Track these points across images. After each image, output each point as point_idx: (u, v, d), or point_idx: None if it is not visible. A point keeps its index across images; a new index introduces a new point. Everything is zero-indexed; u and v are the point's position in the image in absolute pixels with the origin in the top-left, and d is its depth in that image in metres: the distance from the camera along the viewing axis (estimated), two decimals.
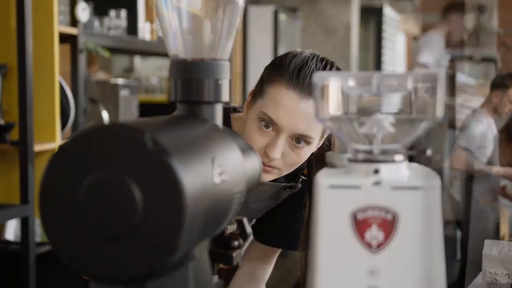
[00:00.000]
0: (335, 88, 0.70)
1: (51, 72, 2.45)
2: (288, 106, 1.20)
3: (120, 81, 3.10)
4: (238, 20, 0.83)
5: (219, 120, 0.80)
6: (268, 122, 1.22)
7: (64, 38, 2.59)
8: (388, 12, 7.37)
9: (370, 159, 0.69)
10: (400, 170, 0.68)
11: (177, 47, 0.81)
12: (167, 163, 0.59)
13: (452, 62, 4.63)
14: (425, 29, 9.58)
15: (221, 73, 0.80)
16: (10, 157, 2.43)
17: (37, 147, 2.40)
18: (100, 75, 3.84)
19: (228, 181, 0.70)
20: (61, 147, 0.61)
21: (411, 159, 0.72)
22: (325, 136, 1.32)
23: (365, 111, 0.71)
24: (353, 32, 5.43)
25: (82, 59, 2.62)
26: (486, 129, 4.40)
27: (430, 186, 0.66)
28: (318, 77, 0.69)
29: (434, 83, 0.67)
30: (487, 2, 8.53)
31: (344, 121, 0.70)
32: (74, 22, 2.60)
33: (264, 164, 1.24)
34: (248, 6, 4.63)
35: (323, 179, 0.67)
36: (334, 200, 0.67)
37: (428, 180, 0.66)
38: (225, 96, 0.81)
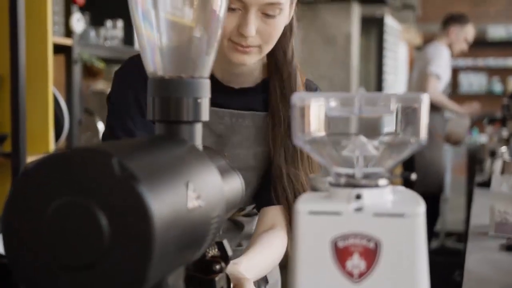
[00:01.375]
0: (315, 109, 0.67)
1: (45, 83, 2.43)
2: None
3: None
4: (218, 35, 0.80)
5: (198, 140, 0.78)
6: (232, 2, 1.17)
7: (59, 49, 2.56)
8: (390, 22, 7.35)
9: (352, 183, 0.66)
10: (383, 195, 0.65)
11: (155, 64, 0.78)
12: (135, 189, 0.56)
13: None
14: (427, 39, 9.58)
15: (200, 91, 0.78)
16: (2, 169, 2.41)
17: (30, 159, 2.37)
18: (100, 85, 3.81)
19: (205, 205, 0.67)
20: (26, 171, 0.59)
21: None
22: (294, 3, 1.28)
23: (347, 133, 0.68)
24: (354, 42, 5.40)
25: (77, 70, 2.60)
26: (448, 60, 4.47)
27: (414, 213, 0.63)
28: (297, 97, 0.66)
29: (418, 105, 0.64)
30: None
31: (325, 143, 0.67)
32: (69, 32, 2.58)
33: (241, 45, 1.20)
34: None
35: (303, 204, 0.64)
36: (314, 227, 0.64)
37: (412, 207, 0.63)
38: (205, 115, 0.78)
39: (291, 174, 1.21)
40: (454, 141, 4.88)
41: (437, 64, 4.36)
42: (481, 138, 8.53)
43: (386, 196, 0.65)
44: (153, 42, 0.78)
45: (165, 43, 0.77)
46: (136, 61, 1.30)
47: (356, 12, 5.43)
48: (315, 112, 0.67)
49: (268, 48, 1.23)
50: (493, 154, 3.12)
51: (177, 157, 0.68)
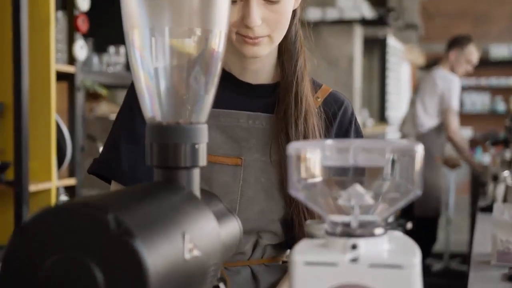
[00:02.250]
0: (310, 158, 0.67)
1: (47, 111, 2.44)
2: None
3: None
4: (216, 81, 0.80)
5: (196, 185, 0.78)
6: None
7: (62, 76, 2.58)
8: (392, 42, 7.37)
9: (348, 232, 0.66)
10: (379, 245, 0.65)
11: (153, 110, 0.79)
12: (131, 246, 0.56)
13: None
14: (430, 58, 9.60)
15: (198, 137, 0.78)
16: (5, 197, 2.41)
17: (33, 187, 2.38)
18: (104, 107, 3.83)
19: (201, 255, 0.67)
20: (21, 227, 0.59)
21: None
22: None
23: (343, 182, 0.69)
24: (356, 64, 5.42)
25: (80, 97, 2.61)
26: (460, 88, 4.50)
27: (411, 264, 0.63)
28: (292, 147, 0.67)
29: (412, 156, 0.65)
30: None
31: (320, 192, 0.68)
32: (72, 60, 2.60)
33: (249, 37, 1.14)
34: None
35: (299, 255, 0.65)
36: (311, 278, 0.64)
37: (408, 257, 0.63)
38: (202, 161, 0.79)
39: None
40: (452, 165, 4.88)
41: (455, 99, 4.39)
42: (485, 158, 8.54)
43: (382, 245, 0.65)
44: (151, 88, 0.78)
45: (163, 89, 0.78)
46: None
47: (359, 34, 5.45)
48: (310, 162, 0.67)
49: (279, 36, 1.17)
50: (495, 178, 3.11)
51: (174, 207, 0.69)
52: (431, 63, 9.72)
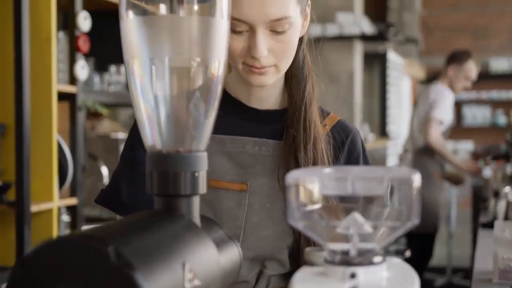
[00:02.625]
0: (309, 187, 0.68)
1: (49, 131, 2.45)
2: None
3: (120, 135, 3.10)
4: (215, 109, 0.81)
5: (196, 212, 0.78)
6: (237, 25, 1.11)
7: (63, 96, 2.59)
8: (392, 57, 7.40)
9: (347, 261, 0.66)
10: (378, 273, 0.66)
11: (154, 139, 0.80)
12: (131, 278, 0.57)
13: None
14: (430, 72, 9.63)
15: (198, 165, 0.79)
16: (6, 217, 2.41)
17: (34, 208, 2.38)
18: (105, 124, 3.84)
19: (201, 284, 0.68)
20: (23, 259, 0.60)
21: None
22: (307, 7, 1.20)
23: (341, 210, 0.69)
24: (357, 79, 5.44)
25: (81, 116, 2.62)
26: (452, 103, 4.48)
27: None
28: (291, 176, 0.67)
29: (410, 185, 0.65)
30: None
31: (319, 220, 0.68)
32: (73, 80, 2.61)
33: (256, 67, 1.14)
34: None
35: (298, 284, 0.65)
36: None
37: (407, 286, 0.64)
38: (202, 188, 0.79)
39: None
40: (456, 182, 4.88)
41: (440, 109, 4.38)
42: (486, 171, 8.53)
43: (381, 273, 0.66)
44: (151, 117, 0.79)
45: (163, 118, 0.79)
46: None
47: (359, 49, 5.48)
48: (309, 191, 0.68)
49: (285, 65, 1.17)
50: (496, 194, 3.11)
51: (174, 236, 0.69)
52: (431, 77, 9.75)
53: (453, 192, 5.78)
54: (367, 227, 0.67)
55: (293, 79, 1.24)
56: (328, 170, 0.70)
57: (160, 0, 0.80)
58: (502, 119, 9.79)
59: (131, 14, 0.77)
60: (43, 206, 2.43)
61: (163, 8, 0.80)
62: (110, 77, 2.95)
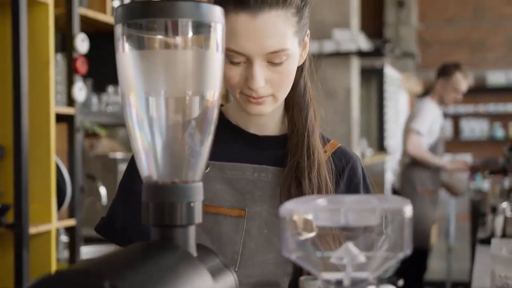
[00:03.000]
0: (303, 218, 0.69)
1: (47, 153, 2.46)
2: (244, 29, 1.09)
3: (119, 155, 3.11)
4: (210, 140, 0.82)
5: (192, 242, 0.79)
6: (234, 56, 1.11)
7: (62, 117, 2.61)
8: (389, 71, 7.42)
9: None
10: None
11: (150, 169, 0.81)
12: None
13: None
14: (427, 86, 9.66)
15: (193, 196, 0.80)
16: (5, 240, 2.42)
17: (33, 230, 2.38)
18: (104, 142, 3.85)
19: None
20: None
21: None
22: (306, 36, 1.19)
23: (335, 240, 0.70)
24: (354, 95, 5.46)
25: (79, 138, 2.64)
26: (435, 116, 4.47)
27: None
28: (285, 209, 0.68)
29: (401, 216, 0.66)
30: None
31: (313, 251, 0.69)
32: (71, 101, 2.63)
33: (253, 97, 1.14)
34: None
35: None
36: None
37: None
38: (198, 218, 0.80)
39: None
40: (455, 193, 4.89)
41: (419, 121, 4.40)
42: (484, 184, 8.53)
43: None
44: (147, 148, 0.80)
45: (159, 149, 0.80)
46: None
47: (356, 65, 5.50)
48: (303, 222, 0.69)
49: (283, 94, 1.18)
50: (494, 209, 3.12)
51: (169, 267, 0.70)
52: (428, 91, 9.77)
53: (452, 206, 5.79)
54: (361, 257, 0.68)
55: (295, 106, 1.24)
56: (321, 201, 0.71)
57: (156, 33, 0.81)
58: (500, 132, 9.82)
59: (127, 47, 0.78)
60: (41, 228, 2.44)
61: (158, 41, 0.82)
62: (108, 98, 2.97)
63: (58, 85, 2.58)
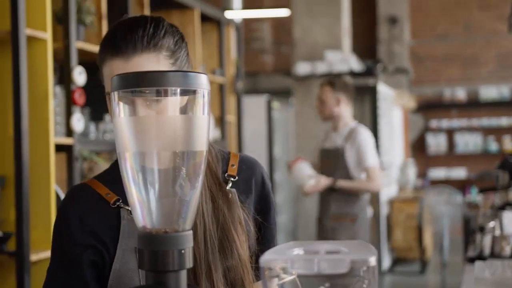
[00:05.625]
0: (280, 268, 0.77)
1: (47, 182, 2.55)
2: (120, 71, 1.15)
3: None
4: (199, 192, 0.91)
5: (183, 285, 0.88)
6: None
7: (60, 148, 2.70)
8: (382, 89, 7.52)
9: None
10: None
11: (144, 220, 0.89)
12: None
13: None
14: (421, 102, 9.77)
15: (184, 243, 0.88)
16: (6, 267, 2.50)
17: (34, 257, 2.46)
18: (103, 166, 3.92)
19: None
20: None
21: None
22: None
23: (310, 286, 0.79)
24: None
25: (77, 166, 2.72)
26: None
27: None
28: (264, 260, 0.77)
29: (368, 266, 0.75)
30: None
31: None
32: (69, 132, 2.72)
33: None
34: (242, 95, 4.77)
35: None
36: None
37: None
38: (189, 263, 0.89)
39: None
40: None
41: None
42: (478, 198, 8.62)
43: None
44: (141, 202, 0.89)
45: (152, 202, 0.89)
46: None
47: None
48: (280, 271, 0.77)
49: None
50: (482, 229, 3.19)
51: None
52: (423, 106, 9.94)
53: (446, 222, 5.87)
54: None
55: None
56: (297, 251, 0.80)
57: (148, 100, 0.90)
58: (493, 146, 9.92)
59: (122, 113, 0.87)
60: (42, 255, 2.52)
61: (150, 107, 0.91)
62: (105, 126, 3.06)
63: (57, 116, 2.67)
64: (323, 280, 0.79)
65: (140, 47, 1.18)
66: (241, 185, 1.31)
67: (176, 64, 1.23)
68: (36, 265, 2.52)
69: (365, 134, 3.94)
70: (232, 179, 1.29)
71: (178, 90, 0.86)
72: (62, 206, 1.27)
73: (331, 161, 3.92)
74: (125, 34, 1.18)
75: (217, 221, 1.24)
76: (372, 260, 0.75)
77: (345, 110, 3.94)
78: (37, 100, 2.54)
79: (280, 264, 0.77)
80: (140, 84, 0.87)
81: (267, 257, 0.78)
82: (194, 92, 0.88)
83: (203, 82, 0.88)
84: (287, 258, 0.77)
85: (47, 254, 2.55)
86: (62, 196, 2.65)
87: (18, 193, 2.43)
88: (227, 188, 1.28)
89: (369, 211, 4.00)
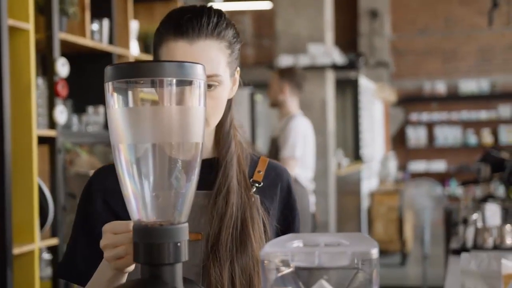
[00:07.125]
0: (280, 260, 0.76)
1: (29, 175, 2.51)
2: (182, 54, 1.18)
3: None
4: (194, 184, 0.90)
5: (179, 278, 0.87)
6: None
7: (43, 140, 2.66)
8: (364, 82, 7.55)
9: None
10: None
11: (139, 213, 0.88)
12: None
13: None
14: (401, 95, 9.81)
15: (180, 236, 0.87)
16: None
17: (16, 250, 2.43)
18: (84, 158, 3.88)
19: None
20: None
21: None
22: (236, 73, 1.27)
23: (310, 278, 0.78)
24: (329, 108, 5.56)
25: (60, 159, 2.69)
26: None
27: None
28: (264, 252, 0.76)
29: (370, 258, 0.74)
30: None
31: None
32: (52, 124, 2.68)
33: None
34: None
35: None
36: None
37: None
38: (184, 256, 0.88)
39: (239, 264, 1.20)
40: None
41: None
42: (458, 191, 8.69)
43: None
44: (136, 195, 0.88)
45: (148, 195, 0.87)
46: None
47: (330, 78, 5.60)
48: (280, 263, 0.76)
49: (214, 120, 1.23)
50: (465, 221, 3.21)
51: None
52: (403, 99, 10.00)
53: (427, 214, 5.90)
54: None
55: (221, 140, 1.30)
56: (297, 244, 0.79)
57: (143, 90, 0.89)
58: (472, 139, 10.01)
59: (116, 104, 0.86)
60: (24, 248, 2.49)
61: (145, 97, 0.89)
62: (88, 118, 3.02)
63: (40, 108, 2.64)
64: (323, 272, 0.78)
65: (204, 32, 1.20)
66: (266, 191, 1.31)
67: (232, 55, 1.25)
68: (18, 258, 2.48)
69: (296, 124, 3.91)
70: (257, 185, 1.30)
71: (174, 80, 0.85)
72: (88, 184, 1.29)
73: (272, 150, 3.97)
74: (191, 18, 1.20)
75: (237, 219, 1.24)
76: (374, 253, 0.75)
77: (290, 99, 3.95)
78: (20, 92, 2.50)
79: (280, 256, 0.76)
80: (135, 74, 0.85)
81: (267, 250, 0.77)
82: (190, 83, 0.86)
83: (199, 73, 0.87)
84: (288, 250, 0.76)
85: (30, 247, 2.52)
86: (45, 189, 2.62)
87: (0, 185, 2.39)
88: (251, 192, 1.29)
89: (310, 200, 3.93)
